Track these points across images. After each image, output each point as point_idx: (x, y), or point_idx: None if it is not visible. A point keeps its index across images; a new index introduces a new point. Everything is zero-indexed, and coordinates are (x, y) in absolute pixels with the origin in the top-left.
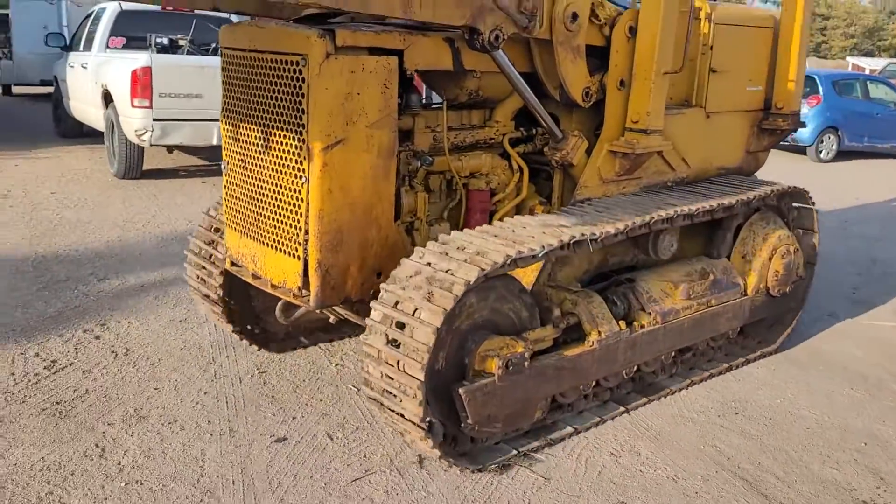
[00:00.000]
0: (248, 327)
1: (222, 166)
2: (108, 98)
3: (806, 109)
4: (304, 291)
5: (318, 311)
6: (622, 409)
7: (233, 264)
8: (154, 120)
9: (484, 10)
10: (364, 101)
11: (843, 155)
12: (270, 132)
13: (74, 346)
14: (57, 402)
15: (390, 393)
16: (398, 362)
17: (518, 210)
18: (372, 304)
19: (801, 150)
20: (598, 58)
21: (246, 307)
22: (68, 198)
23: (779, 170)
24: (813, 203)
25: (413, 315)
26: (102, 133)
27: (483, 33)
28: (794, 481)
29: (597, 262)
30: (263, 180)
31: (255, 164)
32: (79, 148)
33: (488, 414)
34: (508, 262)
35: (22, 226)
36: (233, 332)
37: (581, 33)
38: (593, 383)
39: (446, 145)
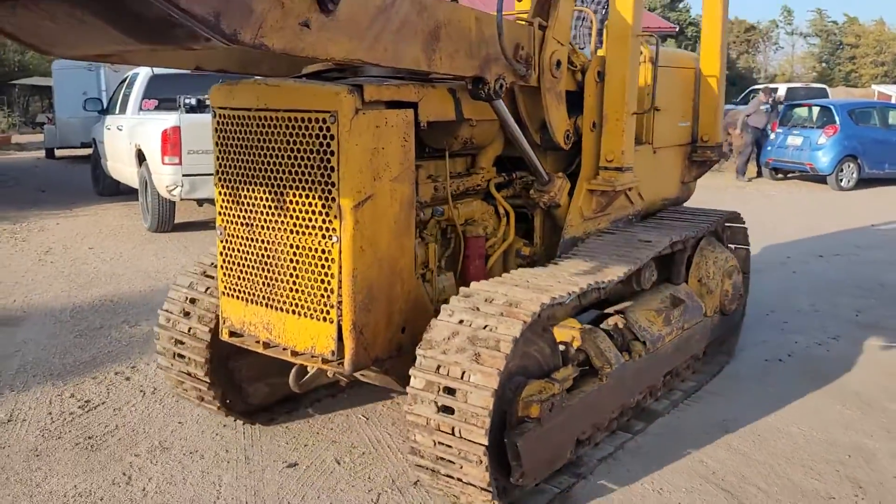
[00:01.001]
0: (229, 401)
1: (217, 232)
2: (141, 157)
3: (823, 139)
4: (337, 356)
5: (333, 376)
6: (630, 435)
7: (232, 334)
8: (183, 175)
9: (490, 60)
10: (388, 155)
11: (864, 182)
12: (288, 192)
13: (106, 387)
14: (89, 437)
15: (447, 461)
16: (454, 429)
17: (506, 254)
18: (412, 372)
19: (822, 180)
20: (569, 102)
21: (227, 380)
22: (105, 252)
23: (800, 199)
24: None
25: (464, 379)
26: (137, 190)
27: (489, 83)
28: (774, 492)
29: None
30: (278, 243)
31: (267, 227)
32: (115, 205)
33: (538, 459)
34: (544, 309)
35: (62, 279)
36: (215, 407)
37: (563, 79)
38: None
39: (449, 194)
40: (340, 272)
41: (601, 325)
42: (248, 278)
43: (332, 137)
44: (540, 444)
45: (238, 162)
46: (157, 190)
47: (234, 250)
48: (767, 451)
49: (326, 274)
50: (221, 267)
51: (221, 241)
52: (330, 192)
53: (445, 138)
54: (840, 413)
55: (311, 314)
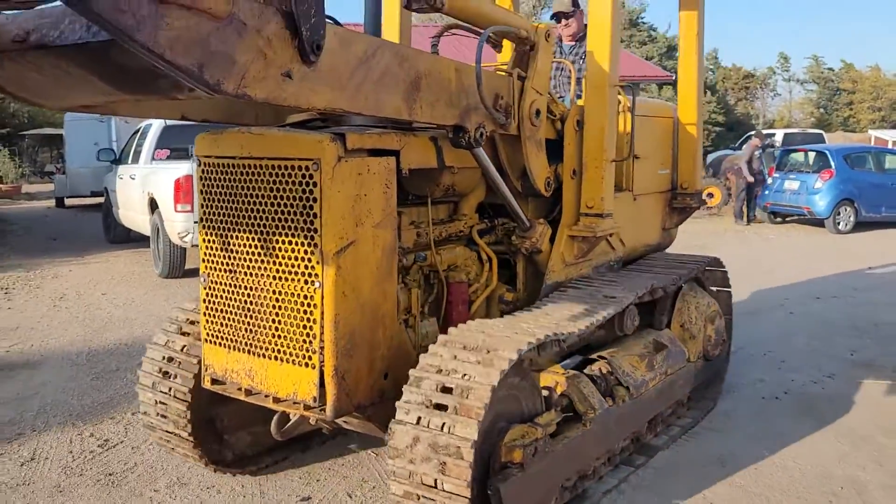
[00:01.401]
0: (210, 449)
1: (200, 280)
2: (153, 205)
3: (820, 184)
4: (319, 402)
5: (314, 423)
6: (632, 469)
7: (214, 382)
8: (195, 222)
9: (470, 109)
10: (370, 201)
11: (862, 226)
12: (272, 238)
13: (124, 427)
14: (110, 474)
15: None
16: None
17: (488, 299)
18: (390, 482)
19: (819, 223)
20: (550, 150)
21: (209, 429)
22: (117, 298)
23: (798, 242)
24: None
25: (437, 487)
26: (148, 238)
27: (469, 131)
28: None
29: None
30: (261, 289)
31: (250, 273)
32: (126, 252)
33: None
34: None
35: (76, 324)
36: (196, 457)
37: (542, 128)
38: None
39: (432, 240)
40: (322, 317)
41: (585, 371)
42: (231, 325)
43: (314, 184)
44: (524, 489)
45: (222, 209)
46: (168, 237)
47: (217, 297)
48: (764, 483)
49: (309, 319)
50: (204, 314)
51: (205, 288)
52: (312, 238)
53: (428, 185)
54: (834, 447)
55: (293, 360)
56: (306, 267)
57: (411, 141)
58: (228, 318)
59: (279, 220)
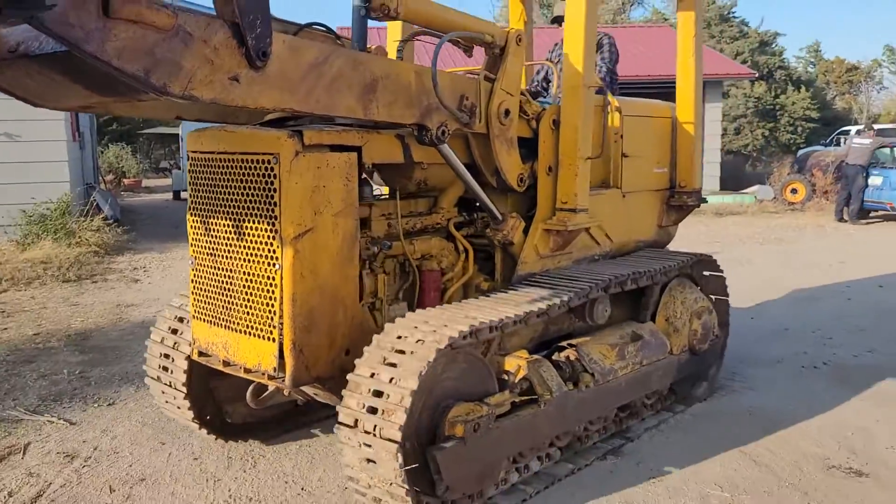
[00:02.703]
0: (209, 418)
1: (189, 262)
2: None
3: None
4: (279, 372)
5: (286, 394)
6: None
7: (200, 354)
8: None
9: (431, 109)
10: (329, 192)
11: None
12: (242, 224)
13: None
14: None
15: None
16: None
17: (466, 287)
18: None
19: None
20: (526, 147)
21: (207, 398)
22: None
23: (878, 237)
24: (721, 270)
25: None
26: None
27: (431, 130)
28: (783, 454)
29: (541, 331)
30: (234, 270)
31: (226, 256)
32: None
33: (460, 476)
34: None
35: None
36: (192, 420)
37: (513, 127)
38: (548, 444)
39: (401, 231)
40: (282, 296)
41: (553, 357)
42: (212, 302)
43: (274, 176)
44: (464, 460)
45: (205, 198)
46: None
47: (201, 277)
48: (784, 427)
49: (271, 298)
50: (192, 292)
51: (192, 270)
52: (274, 224)
53: (399, 180)
54: (856, 405)
55: (259, 334)
56: (269, 250)
57: (374, 138)
58: (210, 297)
59: (247, 208)
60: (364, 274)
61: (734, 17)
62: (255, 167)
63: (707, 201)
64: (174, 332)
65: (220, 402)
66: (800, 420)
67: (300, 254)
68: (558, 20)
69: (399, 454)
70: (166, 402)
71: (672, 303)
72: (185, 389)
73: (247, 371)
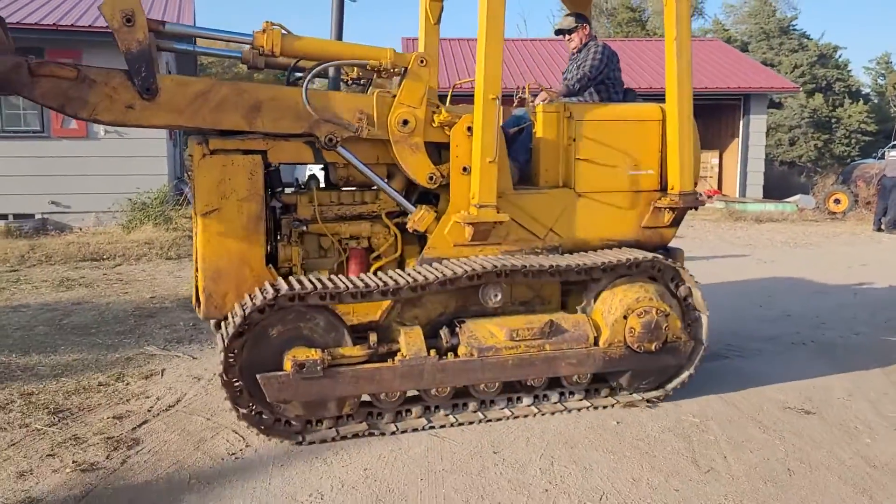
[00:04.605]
0: None
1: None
2: None
3: None
4: (197, 308)
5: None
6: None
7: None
8: None
9: (321, 121)
10: (235, 184)
11: None
12: (192, 207)
13: None
14: None
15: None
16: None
17: (400, 265)
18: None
19: None
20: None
21: None
22: None
23: None
24: (684, 275)
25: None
26: None
27: (320, 138)
28: (750, 397)
29: (451, 308)
30: (194, 240)
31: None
32: None
33: (284, 398)
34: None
35: None
36: None
37: (416, 134)
38: (398, 394)
39: (317, 215)
40: (196, 255)
41: (441, 330)
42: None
43: (193, 171)
44: (288, 389)
45: (191, 189)
46: None
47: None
48: (758, 382)
49: (194, 256)
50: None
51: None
52: (194, 205)
53: (334, 176)
54: (825, 370)
55: (196, 283)
56: (194, 224)
57: (280, 144)
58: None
59: (193, 195)
60: (281, 245)
61: (794, 29)
62: (189, 165)
63: (704, 203)
64: None
65: None
66: (774, 378)
67: (208, 226)
68: (560, 33)
69: (222, 379)
70: None
71: (610, 298)
72: None
73: (197, 303)
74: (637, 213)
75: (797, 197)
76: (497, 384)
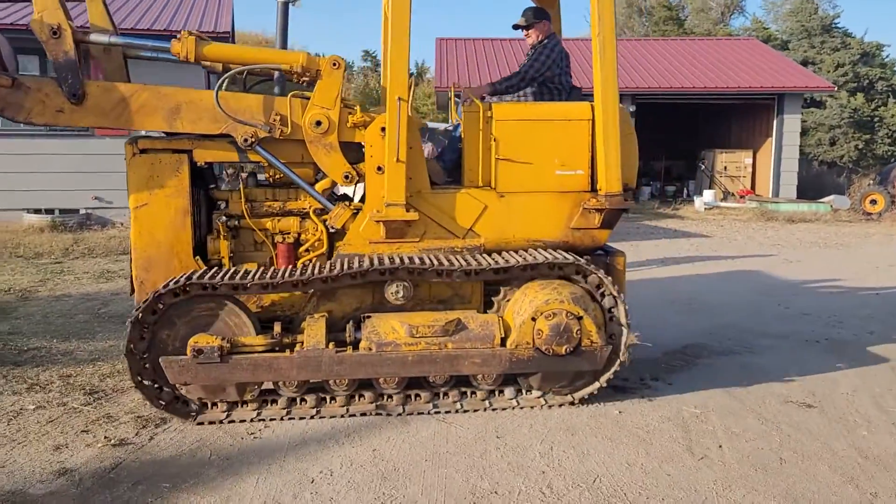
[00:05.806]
0: None
1: None
2: None
3: None
4: (131, 292)
5: None
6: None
7: None
8: None
9: (237, 123)
10: (162, 180)
11: None
12: None
13: None
14: None
15: None
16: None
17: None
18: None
19: None
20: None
21: None
22: None
23: None
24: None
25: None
26: None
27: (237, 139)
28: (756, 391)
29: (367, 303)
30: None
31: None
32: None
33: (183, 381)
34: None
35: None
36: None
37: (330, 134)
38: (296, 382)
39: (244, 210)
40: (130, 246)
41: (348, 324)
42: None
43: (126, 168)
44: (188, 372)
45: None
46: None
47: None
48: (764, 376)
49: (131, 248)
50: None
51: None
52: (129, 200)
53: (264, 174)
54: (833, 366)
55: (130, 270)
56: (129, 217)
57: (204, 143)
58: None
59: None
60: (210, 239)
61: (837, 27)
62: (125, 163)
63: (636, 203)
64: None
65: None
66: (780, 373)
67: (139, 220)
68: (517, 28)
69: (127, 362)
70: None
71: (523, 298)
72: None
73: (132, 291)
74: (564, 214)
75: (831, 197)
76: (396, 379)
